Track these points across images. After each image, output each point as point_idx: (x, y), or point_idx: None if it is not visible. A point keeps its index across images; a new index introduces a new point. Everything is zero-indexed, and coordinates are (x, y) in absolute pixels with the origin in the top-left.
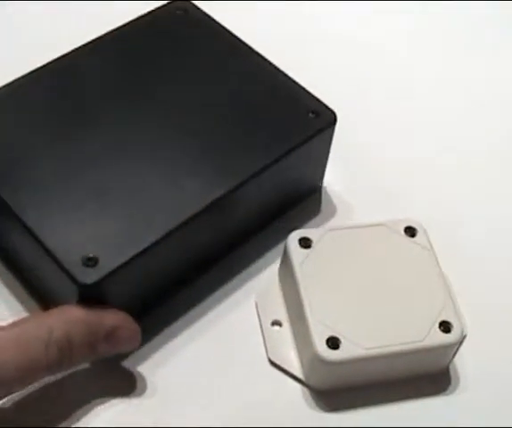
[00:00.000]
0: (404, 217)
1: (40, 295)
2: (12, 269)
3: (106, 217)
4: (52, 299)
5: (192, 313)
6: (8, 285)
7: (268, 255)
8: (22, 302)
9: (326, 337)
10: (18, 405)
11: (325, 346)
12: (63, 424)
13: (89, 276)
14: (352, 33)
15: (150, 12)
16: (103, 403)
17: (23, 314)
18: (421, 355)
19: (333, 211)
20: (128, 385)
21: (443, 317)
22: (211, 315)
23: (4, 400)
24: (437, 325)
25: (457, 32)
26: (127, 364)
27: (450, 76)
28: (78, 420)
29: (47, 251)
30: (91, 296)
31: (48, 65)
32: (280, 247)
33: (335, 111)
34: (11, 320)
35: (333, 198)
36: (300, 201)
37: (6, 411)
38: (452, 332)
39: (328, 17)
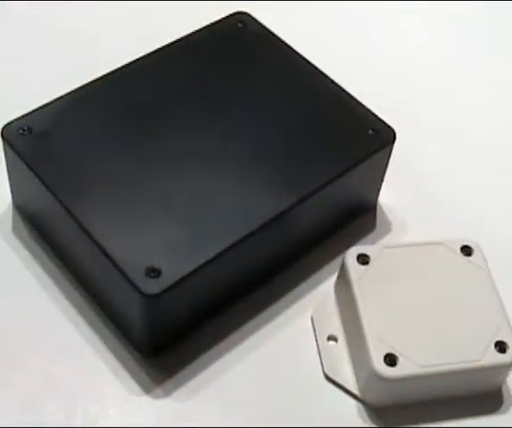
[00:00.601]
0: (458, 235)
1: (102, 305)
2: (74, 279)
3: (170, 227)
4: (114, 309)
5: (247, 326)
6: (69, 295)
7: (325, 270)
8: (83, 312)
9: (384, 354)
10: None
11: (382, 363)
12: None
13: (152, 287)
14: (412, 50)
15: (210, 25)
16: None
17: (85, 326)
18: (476, 374)
19: (387, 228)
20: (181, 398)
21: (499, 337)
22: (267, 329)
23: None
24: (493, 344)
25: None
26: (184, 374)
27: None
28: None
29: (111, 261)
30: (153, 307)
31: (113, 73)
32: (336, 262)
33: (393, 127)
34: (71, 330)
35: (388, 214)
36: (355, 216)
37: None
38: (508, 352)
39: (389, 34)
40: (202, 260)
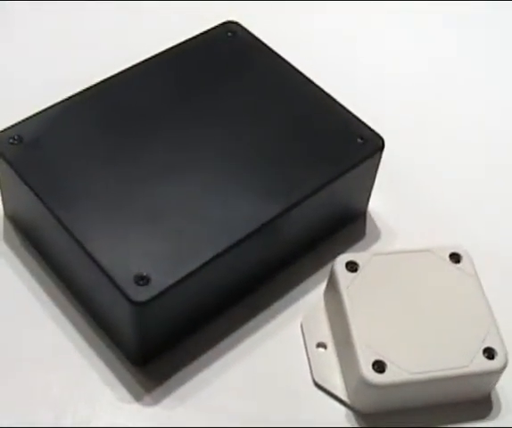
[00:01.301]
0: (448, 242)
1: (93, 313)
2: (65, 287)
3: (159, 235)
4: (104, 316)
5: (237, 334)
6: (60, 303)
7: (314, 277)
8: (73, 320)
9: (373, 361)
10: None
11: (371, 369)
12: None
13: (141, 295)
14: (399, 58)
15: (201, 34)
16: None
17: (75, 334)
18: (465, 381)
19: (377, 236)
20: (171, 406)
21: (487, 344)
22: (256, 336)
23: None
24: (481, 351)
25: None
26: (173, 381)
27: (500, 97)
28: None
29: (100, 268)
30: (142, 314)
31: (103, 83)
32: (325, 270)
33: (382, 135)
34: (61, 337)
35: (377, 222)
36: (345, 224)
37: None
38: (496, 358)
39: (378, 43)
40: (191, 268)
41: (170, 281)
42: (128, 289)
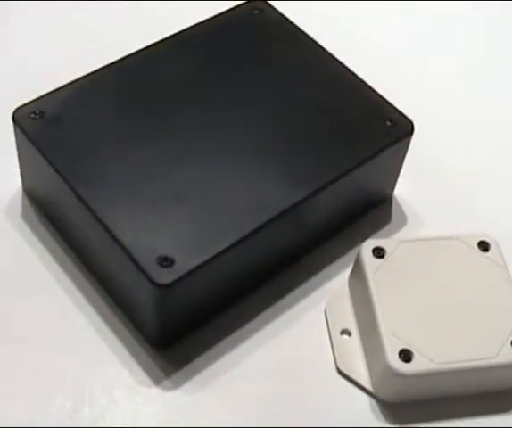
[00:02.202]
0: (474, 230)
1: (113, 294)
2: (84, 267)
3: (183, 217)
4: (125, 298)
5: (259, 319)
6: (79, 283)
7: (339, 262)
8: (92, 301)
9: (399, 349)
10: None
11: (397, 358)
12: None
13: (165, 277)
14: (431, 44)
15: (226, 11)
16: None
17: (94, 315)
18: (492, 372)
19: (403, 221)
20: (191, 390)
21: None
22: (279, 321)
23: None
24: (509, 342)
25: None
26: (195, 365)
27: None
28: None
29: (123, 249)
30: (165, 297)
31: (127, 59)
32: (350, 255)
33: (411, 119)
34: (79, 319)
35: (403, 207)
36: (370, 209)
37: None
38: None
39: (407, 26)
40: (216, 251)
41: (195, 263)
42: (152, 271)
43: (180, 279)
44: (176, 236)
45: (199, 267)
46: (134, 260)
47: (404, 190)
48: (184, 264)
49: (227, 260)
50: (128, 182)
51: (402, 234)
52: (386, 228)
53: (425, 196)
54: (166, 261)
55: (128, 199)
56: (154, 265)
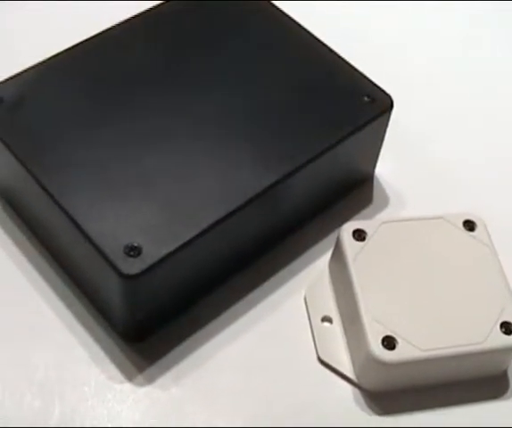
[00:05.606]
0: (459, 210)
1: (82, 287)
2: (52, 259)
3: (151, 205)
4: (94, 291)
5: (236, 308)
6: (47, 276)
7: (318, 247)
8: (62, 295)
9: (382, 336)
10: None
11: (380, 346)
12: None
13: (132, 267)
14: (408, 16)
15: None
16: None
17: (64, 309)
18: (480, 358)
19: (385, 202)
20: (166, 385)
21: (504, 318)
22: (257, 309)
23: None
24: (498, 326)
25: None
26: (168, 359)
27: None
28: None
29: (88, 239)
30: (133, 288)
31: (87, 42)
32: (330, 238)
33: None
34: (48, 313)
35: (385, 187)
36: (351, 189)
37: None
38: None
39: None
40: (186, 238)
41: (163, 252)
42: (118, 261)
43: (149, 269)
44: (143, 224)
45: (168, 255)
46: (99, 250)
47: (385, 170)
48: (152, 253)
49: (198, 248)
50: (92, 169)
51: (384, 215)
52: (367, 210)
53: (408, 176)
54: (133, 251)
55: (93, 186)
56: (121, 255)
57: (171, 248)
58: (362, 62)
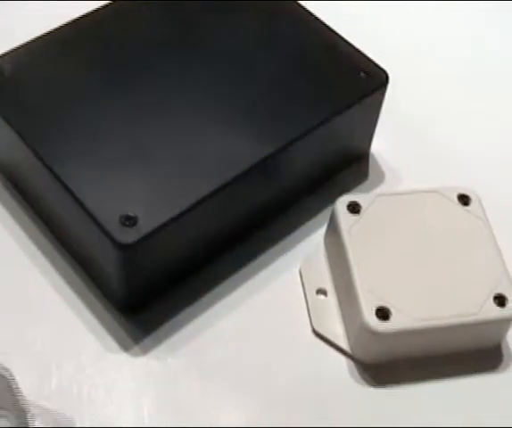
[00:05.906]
0: (455, 184)
1: (78, 258)
2: (48, 231)
3: (147, 175)
4: (90, 261)
5: (231, 280)
6: (43, 248)
7: (314, 221)
8: (57, 266)
9: (376, 307)
10: None
11: (374, 316)
12: None
13: (127, 236)
14: None
15: None
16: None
17: (60, 281)
18: (474, 329)
19: (381, 177)
20: (161, 356)
21: (498, 290)
22: (252, 282)
23: None
24: (492, 298)
25: None
26: (164, 330)
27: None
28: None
29: (84, 209)
30: (129, 258)
31: (89, 15)
32: (326, 213)
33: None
34: (44, 284)
35: (381, 164)
36: (347, 165)
37: None
38: (507, 306)
39: None
40: (181, 208)
41: (159, 221)
42: (114, 230)
43: (144, 238)
44: (139, 194)
45: (164, 225)
46: (95, 220)
47: (381, 147)
48: (148, 222)
49: (194, 219)
50: (88, 140)
51: (380, 190)
52: (363, 186)
53: (403, 153)
54: (129, 220)
55: (89, 157)
56: (117, 224)
57: (167, 218)
58: (359, 40)
